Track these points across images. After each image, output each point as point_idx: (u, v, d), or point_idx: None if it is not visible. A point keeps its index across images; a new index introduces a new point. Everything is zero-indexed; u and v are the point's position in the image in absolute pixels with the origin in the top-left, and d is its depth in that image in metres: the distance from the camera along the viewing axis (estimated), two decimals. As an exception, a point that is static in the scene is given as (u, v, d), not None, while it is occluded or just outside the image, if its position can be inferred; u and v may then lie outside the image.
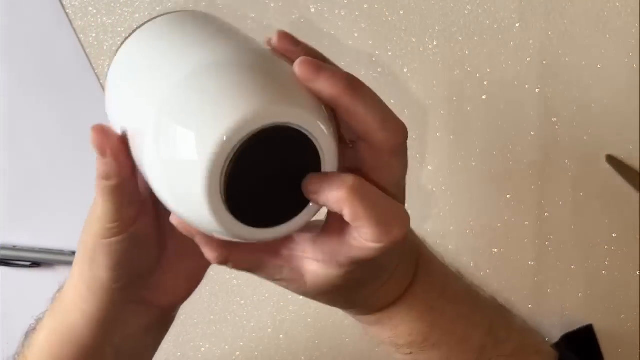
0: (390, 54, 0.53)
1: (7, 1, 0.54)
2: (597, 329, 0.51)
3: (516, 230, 0.52)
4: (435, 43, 0.53)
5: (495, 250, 0.52)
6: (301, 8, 0.53)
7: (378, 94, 0.53)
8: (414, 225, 0.53)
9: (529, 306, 0.51)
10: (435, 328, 0.36)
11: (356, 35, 0.53)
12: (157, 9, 0.54)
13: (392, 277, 0.34)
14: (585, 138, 0.53)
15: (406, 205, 0.52)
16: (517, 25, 0.53)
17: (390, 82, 0.53)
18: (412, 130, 0.54)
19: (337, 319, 0.52)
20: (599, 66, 0.53)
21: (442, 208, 0.52)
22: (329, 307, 0.52)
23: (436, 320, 0.35)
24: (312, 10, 0.53)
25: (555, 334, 0.51)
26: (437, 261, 0.38)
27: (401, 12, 0.53)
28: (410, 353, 0.36)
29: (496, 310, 0.39)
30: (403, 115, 0.55)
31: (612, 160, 0.52)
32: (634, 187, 0.52)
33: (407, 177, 0.54)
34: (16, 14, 0.54)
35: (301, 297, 0.52)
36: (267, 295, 0.53)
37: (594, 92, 0.53)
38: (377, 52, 0.53)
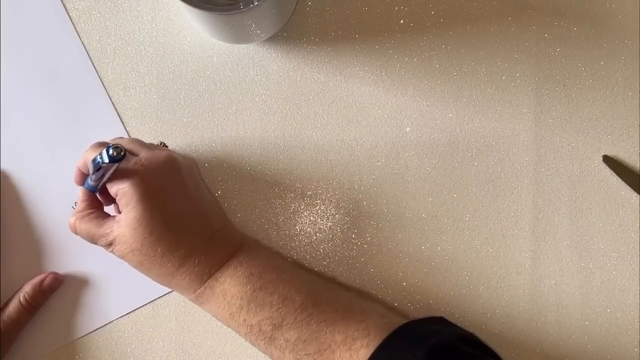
0: (391, 50, 0.54)
1: (9, 4, 0.55)
2: (594, 328, 0.52)
3: (512, 230, 0.52)
4: (432, 45, 0.54)
5: (491, 249, 0.52)
6: (300, 12, 0.54)
7: (380, 92, 0.56)
8: (412, 224, 0.54)
9: (525, 305, 0.52)
10: (259, 290, 0.45)
11: (356, 36, 0.54)
12: (160, 12, 0.55)
13: (216, 239, 0.47)
14: (581, 138, 0.53)
15: (405, 203, 0.53)
16: (512, 29, 0.54)
17: (389, 82, 0.54)
18: (411, 130, 0.55)
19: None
20: (595, 66, 0.53)
21: (439, 207, 0.53)
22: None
23: (260, 283, 0.45)
24: (310, 11, 0.54)
25: (552, 333, 0.51)
26: (262, 246, 0.52)
27: (399, 16, 0.54)
28: (244, 321, 0.45)
29: (319, 282, 0.49)
30: (401, 115, 0.56)
31: (608, 160, 0.52)
32: (631, 188, 0.52)
33: (407, 176, 0.55)
34: (19, 18, 0.55)
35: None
36: (267, 294, 0.53)
37: (590, 92, 0.53)
38: (375, 53, 0.54)
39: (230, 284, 0.45)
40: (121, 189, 0.44)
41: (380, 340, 0.41)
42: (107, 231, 0.45)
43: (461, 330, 0.44)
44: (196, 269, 0.45)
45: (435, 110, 0.53)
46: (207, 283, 0.46)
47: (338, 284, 0.52)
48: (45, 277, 0.51)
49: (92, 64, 0.54)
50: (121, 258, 0.46)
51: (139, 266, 0.46)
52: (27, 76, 0.54)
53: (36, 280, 0.51)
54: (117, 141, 0.49)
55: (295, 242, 0.53)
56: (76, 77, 0.54)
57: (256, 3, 0.43)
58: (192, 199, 0.47)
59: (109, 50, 0.55)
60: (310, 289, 0.46)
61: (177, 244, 0.45)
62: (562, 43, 0.53)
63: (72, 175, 0.49)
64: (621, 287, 0.52)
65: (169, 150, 0.49)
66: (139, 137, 0.54)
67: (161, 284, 0.47)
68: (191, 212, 0.46)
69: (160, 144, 0.52)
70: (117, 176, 0.45)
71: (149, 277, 0.47)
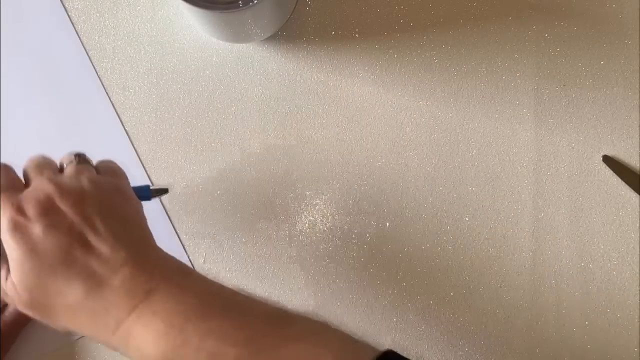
0: (391, 50, 0.54)
1: (9, 4, 0.55)
2: (594, 328, 0.52)
3: (512, 230, 0.52)
4: (432, 45, 0.54)
5: (491, 249, 0.52)
6: (300, 11, 0.54)
7: (380, 92, 0.55)
8: (412, 224, 0.54)
9: (525, 305, 0.52)
10: (180, 347, 0.35)
11: (356, 36, 0.54)
12: (160, 12, 0.55)
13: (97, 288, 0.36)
14: (581, 138, 0.53)
15: (405, 203, 0.53)
16: (512, 29, 0.54)
17: (389, 82, 0.54)
18: (411, 130, 0.55)
19: (338, 316, 0.53)
20: (595, 66, 0.53)
21: (439, 207, 0.53)
22: (328, 303, 0.53)
23: (181, 338, 0.35)
24: (310, 11, 0.54)
25: (552, 333, 0.51)
26: (195, 278, 0.40)
27: (399, 15, 0.54)
28: None
29: (268, 319, 0.38)
30: (401, 115, 0.56)
31: (608, 160, 0.52)
32: (631, 188, 0.52)
33: (407, 176, 0.54)
34: (18, 17, 0.55)
35: (298, 294, 0.53)
36: (267, 292, 0.53)
37: (590, 92, 0.53)
38: (375, 53, 0.54)
39: (144, 341, 0.36)
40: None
41: None
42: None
43: None
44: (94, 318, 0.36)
45: (435, 110, 0.53)
46: (117, 335, 0.36)
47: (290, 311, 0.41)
48: None
49: (92, 63, 0.54)
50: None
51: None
52: (27, 76, 0.54)
53: None
54: None
55: (295, 242, 0.53)
56: (75, 77, 0.54)
57: (255, 1, 0.43)
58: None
59: (108, 50, 0.55)
60: (249, 335, 0.36)
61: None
62: (562, 43, 0.53)
63: None
64: (621, 287, 0.52)
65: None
66: (139, 137, 0.54)
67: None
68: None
69: None
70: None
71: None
